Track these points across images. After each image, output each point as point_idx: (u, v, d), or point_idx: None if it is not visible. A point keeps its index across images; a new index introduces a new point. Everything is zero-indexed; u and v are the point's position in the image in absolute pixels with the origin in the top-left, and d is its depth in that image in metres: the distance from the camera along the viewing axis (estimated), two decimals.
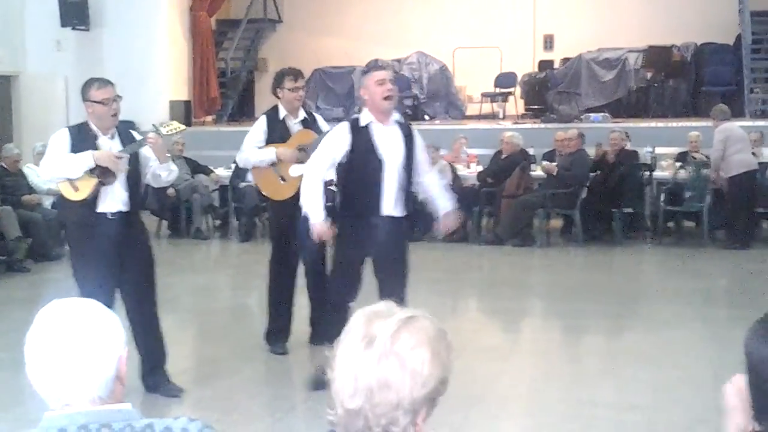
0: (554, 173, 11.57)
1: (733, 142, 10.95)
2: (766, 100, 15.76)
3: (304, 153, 6.31)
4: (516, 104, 17.71)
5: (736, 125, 11.36)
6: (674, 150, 12.54)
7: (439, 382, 1.74)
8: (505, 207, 11.69)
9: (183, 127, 6.00)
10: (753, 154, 11.72)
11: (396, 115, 5.79)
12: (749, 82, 15.63)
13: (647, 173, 11.86)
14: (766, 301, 8.54)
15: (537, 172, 12.20)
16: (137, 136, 5.69)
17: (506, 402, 5.85)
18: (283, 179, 6.53)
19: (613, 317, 8.14)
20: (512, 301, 8.84)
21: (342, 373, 1.72)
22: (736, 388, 1.95)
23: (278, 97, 6.65)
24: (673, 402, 5.68)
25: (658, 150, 12.50)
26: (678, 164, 12.00)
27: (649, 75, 16.93)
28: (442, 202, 5.96)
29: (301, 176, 6.07)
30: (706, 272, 10.06)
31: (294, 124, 6.61)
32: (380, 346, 1.70)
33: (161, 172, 5.67)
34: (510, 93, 17.77)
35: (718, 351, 6.78)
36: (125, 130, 5.73)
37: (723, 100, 15.90)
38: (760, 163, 11.47)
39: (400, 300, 5.48)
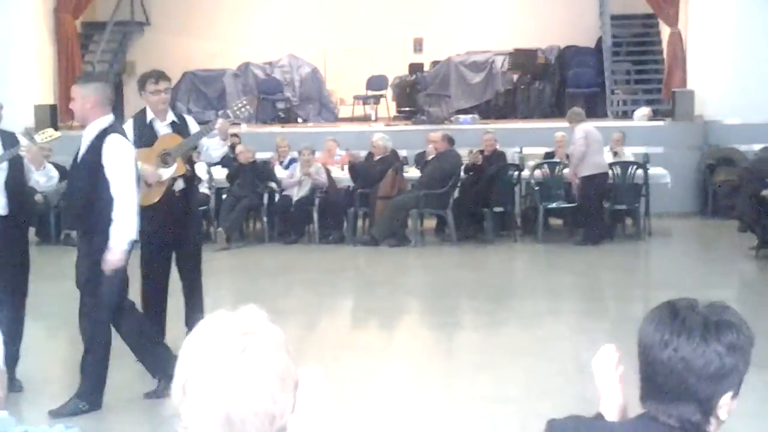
0: (479, 162, 11.79)
1: (590, 142, 11.32)
2: (627, 101, 16.37)
3: (168, 156, 6.25)
4: (388, 107, 17.89)
5: (593, 126, 11.74)
6: (541, 150, 12.89)
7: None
8: (379, 208, 11.81)
9: (58, 134, 6.05)
10: (615, 153, 12.19)
11: None
12: (610, 84, 16.21)
13: (516, 173, 12.15)
14: (627, 294, 8.93)
15: (409, 173, 12.36)
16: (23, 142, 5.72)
17: (382, 399, 5.92)
18: (148, 185, 6.39)
19: (486, 313, 8.34)
20: (388, 300, 8.94)
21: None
22: (603, 363, 2.09)
23: None
24: (544, 393, 5.87)
25: (526, 150, 12.83)
26: (533, 163, 12.28)
27: (515, 77, 17.38)
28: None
29: (167, 180, 6.05)
30: (573, 268, 10.39)
31: (162, 127, 6.47)
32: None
33: (39, 178, 5.75)
34: (381, 96, 17.95)
35: (585, 343, 7.03)
36: (10, 136, 5.77)
37: (586, 101, 16.48)
38: (621, 162, 11.90)
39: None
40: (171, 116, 6.55)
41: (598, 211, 11.60)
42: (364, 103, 18.15)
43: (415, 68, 18.27)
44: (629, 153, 12.49)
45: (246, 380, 1.55)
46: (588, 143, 11.26)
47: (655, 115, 14.80)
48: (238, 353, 1.55)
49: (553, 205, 11.91)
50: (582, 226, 11.64)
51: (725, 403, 1.91)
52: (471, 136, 12.87)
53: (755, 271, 9.89)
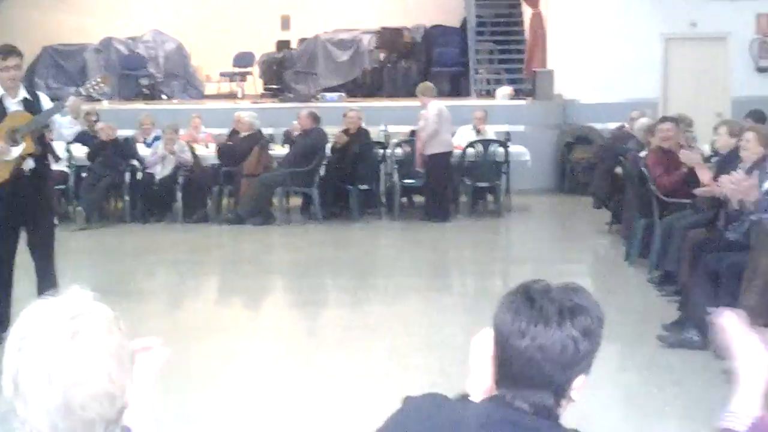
0: (343, 142, 11.80)
1: (442, 120, 11.51)
2: (491, 80, 16.70)
3: (17, 134, 6.08)
4: (255, 84, 17.76)
5: (444, 104, 11.93)
6: (406, 128, 13.03)
7: None
8: (245, 186, 11.74)
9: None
10: (477, 131, 12.45)
11: None
12: (474, 63, 16.50)
13: (381, 151, 12.25)
14: (487, 269, 9.17)
15: (276, 151, 12.33)
16: None
17: (245, 379, 5.93)
18: None
19: (349, 291, 8.42)
20: (253, 279, 8.92)
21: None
22: (480, 344, 2.09)
23: None
24: (404, 369, 6.00)
25: (391, 128, 12.96)
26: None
27: (382, 56, 17.51)
28: None
29: (15, 158, 5.89)
30: (435, 245, 10.60)
31: (12, 104, 6.27)
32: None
33: None
34: (248, 73, 17.81)
35: (445, 318, 7.22)
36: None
37: (451, 79, 16.77)
38: (483, 140, 12.15)
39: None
40: (23, 93, 6.36)
41: (444, 189, 11.83)
42: (230, 80, 17.98)
43: (282, 45, 18.20)
44: (491, 131, 12.76)
45: (80, 364, 1.52)
46: (440, 121, 11.45)
47: (517, 94, 15.16)
48: (69, 338, 1.53)
49: (410, 182, 12.08)
50: (431, 204, 11.81)
51: (578, 385, 1.92)
52: (337, 113, 12.91)
53: (608, 246, 10.27)
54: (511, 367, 1.90)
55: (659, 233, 8.03)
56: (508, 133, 12.68)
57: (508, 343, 1.89)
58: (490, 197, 12.78)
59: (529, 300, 1.92)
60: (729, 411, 2.12)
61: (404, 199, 12.76)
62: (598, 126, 13.85)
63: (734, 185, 6.40)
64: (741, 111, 11.16)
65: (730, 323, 2.20)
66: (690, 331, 6.14)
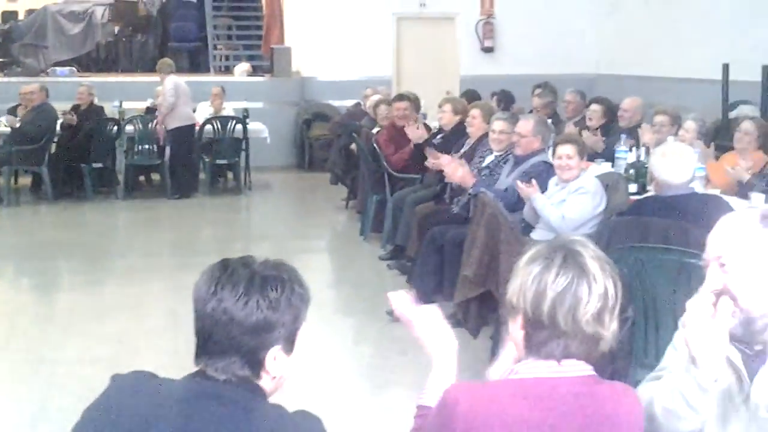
0: (73, 123, 11.22)
1: (180, 94, 11.35)
2: (229, 56, 16.56)
3: None
4: None
5: (182, 79, 11.77)
6: (142, 104, 12.69)
7: None
8: None
9: None
10: (215, 108, 12.34)
11: None
12: (213, 39, 16.31)
13: (115, 128, 11.86)
14: (226, 247, 9.13)
15: (0, 127, 11.65)
16: None
17: None
18: None
19: (81, 273, 8.15)
20: None
21: None
22: None
23: None
24: (135, 351, 5.89)
25: (126, 104, 12.57)
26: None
27: (116, 29, 16.93)
28: None
29: None
30: (173, 224, 10.44)
31: None
32: None
33: None
34: None
35: (182, 297, 7.10)
36: None
37: (190, 55, 16.50)
38: (222, 117, 12.05)
39: None
40: None
41: (188, 163, 11.69)
42: None
43: (8, 17, 17.20)
44: (230, 108, 12.69)
45: None
46: (177, 94, 11.27)
47: (256, 71, 15.14)
48: None
49: (138, 160, 11.81)
50: (173, 179, 11.63)
51: (273, 357, 1.93)
52: (69, 88, 12.37)
53: (345, 222, 10.50)
54: (203, 333, 1.92)
55: (390, 208, 8.30)
56: (246, 110, 12.65)
57: (200, 308, 1.92)
58: (230, 175, 12.73)
59: (225, 267, 1.96)
60: (425, 388, 2.25)
61: (142, 178, 12.46)
62: (336, 103, 14.07)
63: (448, 168, 6.73)
64: (467, 88, 11.70)
65: (400, 303, 2.33)
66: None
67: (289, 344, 1.97)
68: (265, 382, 1.96)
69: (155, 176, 12.39)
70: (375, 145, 8.92)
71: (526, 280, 2.00)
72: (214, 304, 1.91)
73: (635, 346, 4.15)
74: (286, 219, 11.22)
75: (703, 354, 1.99)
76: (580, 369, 2.02)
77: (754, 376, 2.12)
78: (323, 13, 14.34)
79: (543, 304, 1.97)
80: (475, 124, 7.73)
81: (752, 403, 2.12)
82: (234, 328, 1.90)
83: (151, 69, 16.19)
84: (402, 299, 2.37)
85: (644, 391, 2.28)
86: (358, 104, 12.14)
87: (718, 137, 8.13)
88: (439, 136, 8.59)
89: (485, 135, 7.30)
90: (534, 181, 5.86)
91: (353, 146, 10.18)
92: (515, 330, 2.05)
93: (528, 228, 5.96)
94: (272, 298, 1.92)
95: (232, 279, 1.92)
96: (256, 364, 1.93)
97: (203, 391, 1.90)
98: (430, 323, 2.32)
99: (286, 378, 2.01)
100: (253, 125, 12.35)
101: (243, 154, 12.19)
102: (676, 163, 4.81)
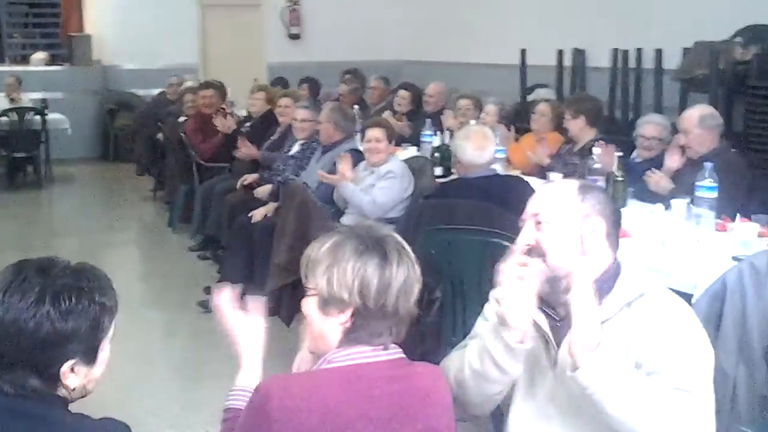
0: None
1: None
2: (25, 44, 15.79)
3: None
4: None
5: None
6: None
7: None
8: None
9: None
10: (12, 99, 11.77)
11: None
12: (7, 27, 15.51)
13: None
14: (27, 244, 8.73)
15: None
16: None
17: None
18: None
19: None
20: None
21: None
22: None
23: None
24: None
25: None
26: None
27: None
28: None
29: None
30: None
31: None
32: None
33: None
34: None
35: None
36: None
37: None
38: (18, 109, 11.51)
39: None
40: None
41: None
42: None
43: None
44: (27, 99, 12.14)
45: None
46: None
47: (54, 59, 14.52)
48: None
49: None
50: None
51: (70, 370, 1.84)
52: None
53: (153, 213, 10.26)
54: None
55: (200, 198, 8.16)
56: (45, 101, 12.12)
57: None
58: (29, 168, 12.18)
59: (18, 271, 1.85)
60: (232, 389, 2.21)
61: None
62: (141, 92, 13.69)
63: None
64: (275, 76, 11.65)
65: (220, 301, 2.29)
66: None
67: (89, 356, 1.86)
68: (64, 391, 1.86)
69: None
70: (182, 134, 8.75)
71: (361, 273, 2.00)
72: (1, 313, 1.78)
73: (444, 326, 4.24)
74: (91, 212, 10.82)
75: (512, 313, 2.07)
76: (392, 352, 2.06)
77: (560, 342, 2.21)
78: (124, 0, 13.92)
79: (388, 295, 2.01)
80: (286, 113, 7.72)
81: (559, 368, 2.20)
82: (23, 340, 1.78)
83: None
84: (225, 293, 2.32)
85: (453, 359, 2.35)
86: (163, 93, 11.85)
87: (518, 120, 8.44)
88: (247, 124, 8.50)
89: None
90: (341, 168, 5.89)
91: (159, 136, 9.96)
92: (331, 324, 2.04)
93: (338, 213, 5.99)
94: (65, 309, 1.80)
95: (23, 286, 1.80)
96: (51, 378, 1.82)
97: None
98: (242, 320, 2.28)
99: (90, 386, 1.92)
100: (52, 116, 11.88)
101: (42, 146, 11.70)
102: (478, 145, 4.94)
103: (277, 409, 1.91)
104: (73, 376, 1.83)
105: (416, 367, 2.09)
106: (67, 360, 1.82)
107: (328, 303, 2.03)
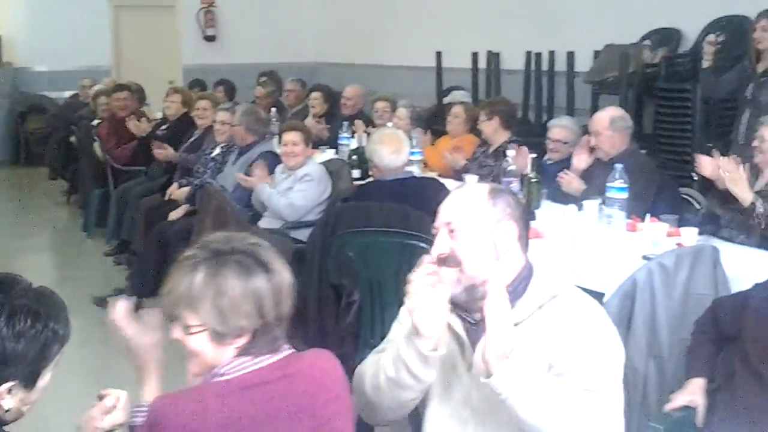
0: None
1: None
2: None
3: None
4: None
5: None
6: None
7: None
8: None
9: None
10: None
11: None
12: None
13: None
14: None
15: None
16: None
17: None
18: None
19: None
20: None
21: None
22: None
23: None
24: None
25: None
26: None
27: None
28: None
29: None
30: None
31: None
32: None
33: None
34: None
35: None
36: None
37: None
38: None
39: None
40: None
41: None
42: None
43: None
44: None
45: None
46: None
47: None
48: None
49: None
50: None
51: (8, 391, 1.82)
52: None
53: (66, 218, 10.07)
54: None
55: (115, 202, 8.04)
56: None
57: None
58: None
59: None
60: (136, 406, 2.17)
61: None
62: (53, 95, 13.42)
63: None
64: (192, 78, 11.55)
65: (116, 315, 2.25)
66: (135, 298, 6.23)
67: (29, 381, 1.84)
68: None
69: None
70: (96, 137, 8.61)
71: (253, 295, 1.96)
72: None
73: (362, 328, 4.26)
74: (1, 218, 10.56)
75: (424, 323, 2.07)
76: (281, 351, 2.05)
77: (475, 345, 2.21)
78: (35, 1, 13.61)
79: (283, 301, 2.00)
80: (204, 116, 7.67)
81: (474, 371, 2.21)
82: None
83: None
84: (120, 306, 2.27)
85: (369, 365, 2.34)
86: (76, 95, 11.65)
87: (435, 122, 8.51)
88: (163, 127, 8.41)
89: (212, 126, 7.25)
90: (257, 172, 5.88)
91: (72, 139, 9.78)
92: (228, 349, 2.00)
93: (256, 217, 5.97)
94: (18, 331, 1.78)
95: None
96: None
97: None
98: (139, 333, 2.22)
99: (25, 408, 1.89)
100: None
101: None
102: (393, 149, 4.97)
103: (171, 429, 1.88)
104: (8, 397, 1.81)
105: (307, 357, 2.08)
106: (7, 381, 1.80)
107: (224, 336, 1.98)
